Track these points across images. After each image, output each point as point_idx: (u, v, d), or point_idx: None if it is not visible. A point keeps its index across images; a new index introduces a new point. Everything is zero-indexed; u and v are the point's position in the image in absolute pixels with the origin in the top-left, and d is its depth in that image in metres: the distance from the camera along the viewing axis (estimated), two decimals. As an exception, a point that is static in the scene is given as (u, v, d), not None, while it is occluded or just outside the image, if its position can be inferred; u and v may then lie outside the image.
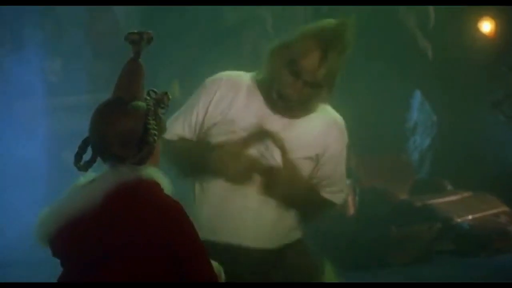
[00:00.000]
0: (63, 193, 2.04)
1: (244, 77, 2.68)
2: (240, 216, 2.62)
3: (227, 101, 2.63)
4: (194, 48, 6.00)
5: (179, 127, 2.66)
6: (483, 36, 6.24)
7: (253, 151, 2.60)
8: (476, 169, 6.13)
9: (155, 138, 1.96)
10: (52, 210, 1.96)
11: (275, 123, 2.61)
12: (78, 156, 2.02)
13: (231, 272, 2.28)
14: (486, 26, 6.19)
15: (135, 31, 2.05)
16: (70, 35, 6.06)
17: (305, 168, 2.65)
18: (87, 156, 2.07)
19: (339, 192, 2.72)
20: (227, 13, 6.18)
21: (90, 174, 2.03)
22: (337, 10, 5.95)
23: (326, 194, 2.69)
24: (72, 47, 6.02)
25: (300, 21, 6.04)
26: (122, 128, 1.96)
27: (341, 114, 2.76)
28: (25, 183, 5.35)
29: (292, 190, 2.62)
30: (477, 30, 6.24)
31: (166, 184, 1.97)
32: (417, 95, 6.67)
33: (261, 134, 2.62)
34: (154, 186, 1.95)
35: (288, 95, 2.55)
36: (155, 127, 1.97)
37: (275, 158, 2.62)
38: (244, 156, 2.59)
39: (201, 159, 2.61)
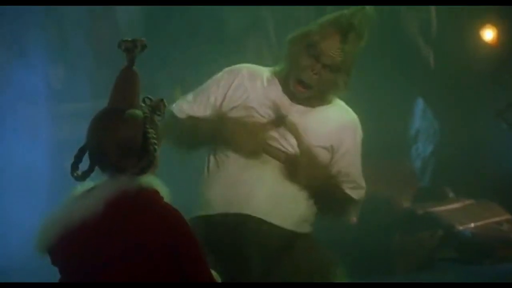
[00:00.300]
0: (61, 201, 2.04)
1: (263, 69, 2.75)
2: (254, 189, 2.62)
3: (245, 88, 2.69)
4: (196, 53, 6.00)
5: (188, 106, 2.71)
6: (485, 44, 6.24)
7: (269, 134, 2.63)
8: (478, 177, 6.12)
9: (155, 147, 1.96)
10: (52, 219, 1.96)
11: (293, 111, 2.65)
12: (75, 165, 2.03)
13: (239, 247, 2.26)
14: (489, 34, 6.20)
15: (128, 38, 2.06)
16: (72, 42, 6.06)
17: (321, 157, 2.68)
18: (84, 165, 2.07)
19: (358, 188, 2.76)
20: (229, 17, 6.19)
21: (88, 183, 2.04)
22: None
23: (348, 190, 2.72)
24: (74, 53, 6.03)
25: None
26: (121, 137, 1.96)
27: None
28: (27, 189, 5.36)
29: (312, 177, 2.64)
30: (480, 38, 6.24)
31: (165, 192, 1.98)
32: (419, 103, 6.66)
33: (278, 119, 2.65)
34: (154, 195, 1.96)
35: (307, 78, 2.61)
36: (154, 136, 1.97)
37: (292, 145, 2.65)
38: (258, 132, 2.63)
39: (215, 132, 2.65)
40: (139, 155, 1.96)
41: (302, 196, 2.68)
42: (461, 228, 5.49)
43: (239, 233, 2.58)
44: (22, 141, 5.46)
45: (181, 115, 2.71)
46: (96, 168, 2.05)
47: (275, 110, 2.66)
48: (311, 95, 2.68)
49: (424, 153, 6.60)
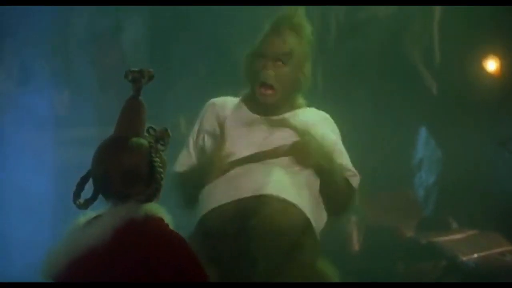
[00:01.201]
0: (65, 231, 2.05)
1: (230, 99, 2.90)
2: (264, 176, 2.67)
3: (215, 116, 2.83)
4: (201, 81, 6.03)
5: (184, 158, 2.75)
6: (489, 74, 6.27)
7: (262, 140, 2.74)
8: (482, 207, 6.11)
9: (162, 175, 2.00)
10: (59, 247, 1.99)
11: (263, 124, 2.79)
12: (77, 193, 2.08)
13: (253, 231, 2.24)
14: (492, 64, 6.22)
15: (136, 69, 2.11)
16: (77, 67, 6.09)
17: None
18: (86, 193, 2.08)
19: (355, 175, 2.84)
20: (235, 46, 6.22)
21: (90, 212, 2.06)
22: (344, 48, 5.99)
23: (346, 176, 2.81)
24: (79, 79, 6.07)
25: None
26: (126, 165, 1.98)
27: (346, 149, 2.84)
28: (29, 212, 5.36)
29: (322, 155, 2.73)
30: (483, 68, 6.27)
31: (169, 219, 2.02)
32: (422, 131, 6.67)
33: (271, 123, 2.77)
34: (161, 223, 1.99)
35: (265, 78, 2.77)
36: (160, 165, 2.00)
37: (285, 137, 2.75)
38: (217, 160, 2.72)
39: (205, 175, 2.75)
40: (144, 183, 1.98)
41: (311, 185, 2.72)
42: (464, 258, 5.47)
43: (252, 212, 2.62)
44: (26, 165, 5.47)
45: (180, 169, 2.80)
46: (99, 196, 2.07)
47: (247, 129, 2.77)
48: (278, 97, 2.80)
49: (427, 182, 6.59)
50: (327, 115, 2.90)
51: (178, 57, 6.16)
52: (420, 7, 6.18)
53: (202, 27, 5.98)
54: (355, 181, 2.84)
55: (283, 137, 2.77)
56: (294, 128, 2.78)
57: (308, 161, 2.72)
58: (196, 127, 2.88)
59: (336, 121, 2.93)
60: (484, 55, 6.23)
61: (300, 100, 2.92)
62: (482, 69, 6.25)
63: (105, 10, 6.20)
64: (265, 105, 2.81)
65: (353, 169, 2.84)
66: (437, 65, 6.31)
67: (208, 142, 2.82)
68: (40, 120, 5.67)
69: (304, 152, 2.72)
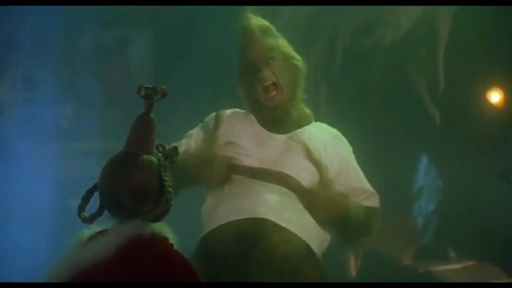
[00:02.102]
0: (65, 242, 2.03)
1: (238, 110, 2.90)
2: (263, 197, 2.63)
3: (226, 127, 2.81)
4: (206, 101, 6.03)
5: (182, 146, 2.82)
6: (492, 105, 6.29)
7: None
8: (480, 238, 6.10)
9: (171, 195, 1.99)
10: (62, 261, 1.97)
11: (275, 142, 2.74)
12: (82, 206, 2.06)
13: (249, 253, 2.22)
14: (495, 95, 6.25)
15: (150, 85, 2.09)
16: (83, 81, 6.10)
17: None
18: (90, 207, 2.07)
19: (372, 195, 2.81)
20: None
21: (94, 227, 2.04)
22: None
23: (364, 202, 2.77)
24: (84, 93, 6.07)
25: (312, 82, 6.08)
26: (136, 182, 1.97)
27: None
28: (32, 224, 5.34)
29: (331, 209, 2.66)
30: (486, 99, 6.30)
31: (174, 239, 2.02)
32: (424, 160, 6.68)
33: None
34: (165, 243, 1.98)
35: (265, 77, 2.73)
36: (170, 184, 1.99)
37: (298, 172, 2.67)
38: (217, 164, 2.68)
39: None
40: (152, 202, 1.97)
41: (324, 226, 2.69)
42: (461, 289, 5.46)
43: (252, 237, 2.53)
44: (28, 175, 5.47)
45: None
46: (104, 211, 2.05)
47: (258, 138, 2.74)
48: (284, 93, 2.74)
49: (427, 211, 6.60)
50: (337, 132, 2.88)
51: (183, 75, 6.17)
52: (425, 34, 6.22)
53: (208, 45, 6.01)
54: (374, 200, 2.81)
55: (297, 164, 2.70)
56: (313, 160, 2.70)
57: (321, 216, 2.66)
58: (195, 131, 2.86)
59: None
60: (488, 86, 6.25)
61: (306, 110, 2.87)
62: (485, 100, 6.27)
63: (112, 25, 6.23)
64: (275, 113, 2.76)
65: (369, 188, 2.81)
66: (441, 94, 6.32)
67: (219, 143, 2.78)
68: (43, 132, 5.67)
69: (317, 206, 2.66)
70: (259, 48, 2.77)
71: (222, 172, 2.66)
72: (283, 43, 2.85)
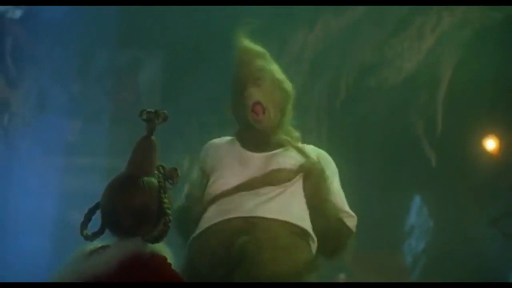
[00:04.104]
0: (66, 255, 2.06)
1: (225, 138, 2.85)
2: (257, 199, 2.58)
3: (210, 157, 2.78)
4: (210, 125, 6.07)
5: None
6: (487, 151, 6.32)
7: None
8: (467, 280, 6.12)
9: (170, 217, 2.00)
10: (63, 273, 2.00)
11: (257, 158, 2.71)
12: (84, 224, 2.06)
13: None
14: (491, 142, 6.30)
15: (152, 109, 2.10)
16: (94, 98, 6.09)
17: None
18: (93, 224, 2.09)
19: (352, 217, 2.73)
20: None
21: (95, 242, 2.07)
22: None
23: (344, 220, 2.70)
24: (94, 109, 6.06)
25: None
26: (137, 204, 1.99)
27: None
28: (36, 233, 5.35)
29: (318, 190, 2.62)
30: (482, 144, 6.32)
31: (172, 259, 2.04)
32: (417, 199, 6.71)
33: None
34: (163, 262, 2.01)
35: (251, 95, 2.69)
36: (169, 206, 2.01)
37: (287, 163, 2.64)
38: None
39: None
40: (151, 223, 1.99)
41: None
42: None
43: (244, 234, 2.47)
44: (33, 188, 5.46)
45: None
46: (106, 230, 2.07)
47: (239, 164, 2.70)
48: (271, 116, 2.69)
49: (416, 249, 6.61)
50: (324, 152, 2.79)
51: (190, 98, 6.17)
52: (427, 79, 6.29)
53: (216, 70, 6.07)
54: (351, 222, 2.72)
55: (284, 158, 2.67)
56: (300, 152, 2.68)
57: (308, 183, 2.62)
58: (194, 174, 2.83)
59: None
60: (484, 133, 6.29)
61: (295, 133, 2.81)
62: (481, 147, 6.30)
63: (125, 46, 6.28)
64: (261, 135, 2.71)
65: (348, 210, 2.72)
66: (438, 137, 6.35)
67: (203, 181, 2.75)
68: (52, 145, 5.68)
69: (309, 173, 2.62)
70: (248, 67, 2.74)
71: (205, 203, 2.64)
72: (274, 68, 2.78)
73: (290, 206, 2.61)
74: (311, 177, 2.66)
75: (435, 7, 6.02)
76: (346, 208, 2.75)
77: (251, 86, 2.72)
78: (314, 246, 2.67)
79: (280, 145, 2.76)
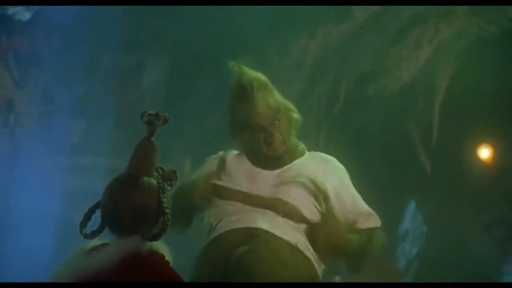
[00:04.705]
0: (67, 253, 2.10)
1: (233, 152, 2.83)
2: (260, 215, 2.55)
3: (219, 165, 2.75)
4: (211, 129, 6.08)
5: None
6: (481, 160, 6.35)
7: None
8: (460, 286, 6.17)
9: (168, 216, 2.04)
10: (63, 269, 2.04)
11: (265, 177, 2.68)
12: (84, 223, 2.10)
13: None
14: (485, 152, 6.34)
15: (153, 112, 2.14)
16: (98, 100, 6.11)
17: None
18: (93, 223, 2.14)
19: (370, 216, 2.71)
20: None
21: (95, 240, 2.11)
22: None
23: (364, 225, 2.69)
24: (98, 111, 6.08)
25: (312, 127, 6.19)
26: (137, 204, 2.03)
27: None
28: (37, 231, 5.38)
29: (333, 244, 2.59)
30: (476, 152, 6.36)
31: (170, 258, 2.09)
32: (411, 205, 6.75)
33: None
34: (161, 260, 2.05)
35: (274, 140, 2.64)
36: (168, 206, 2.05)
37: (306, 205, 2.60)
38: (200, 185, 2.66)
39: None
40: (150, 223, 2.03)
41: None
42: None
43: (249, 245, 2.46)
44: (36, 186, 5.47)
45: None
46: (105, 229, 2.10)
47: (249, 182, 2.67)
48: (286, 143, 2.66)
49: (410, 254, 6.64)
50: (331, 158, 2.76)
51: (191, 102, 6.19)
52: (424, 88, 6.35)
53: (217, 76, 6.12)
54: (373, 221, 2.70)
55: (295, 192, 2.63)
56: (326, 200, 2.62)
57: (322, 245, 2.59)
58: (202, 174, 2.72)
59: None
60: (479, 142, 6.33)
61: (300, 145, 2.77)
62: (475, 154, 6.34)
63: (130, 50, 6.31)
64: (270, 156, 2.68)
65: (366, 210, 2.69)
66: (433, 144, 6.39)
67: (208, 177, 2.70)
68: (56, 144, 5.70)
69: (322, 237, 2.58)
70: (263, 109, 2.64)
71: (206, 189, 2.63)
72: (280, 98, 2.73)
73: (291, 232, 2.61)
74: (320, 232, 2.61)
75: (432, 19, 6.08)
76: (363, 209, 2.71)
77: (272, 130, 2.66)
78: (314, 259, 2.66)
79: (289, 160, 2.74)
